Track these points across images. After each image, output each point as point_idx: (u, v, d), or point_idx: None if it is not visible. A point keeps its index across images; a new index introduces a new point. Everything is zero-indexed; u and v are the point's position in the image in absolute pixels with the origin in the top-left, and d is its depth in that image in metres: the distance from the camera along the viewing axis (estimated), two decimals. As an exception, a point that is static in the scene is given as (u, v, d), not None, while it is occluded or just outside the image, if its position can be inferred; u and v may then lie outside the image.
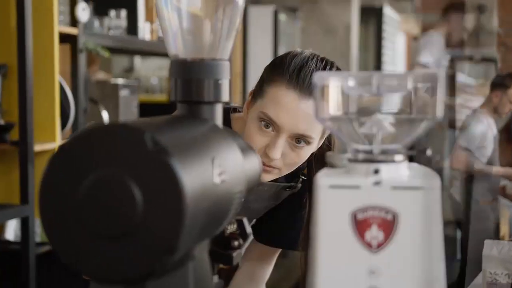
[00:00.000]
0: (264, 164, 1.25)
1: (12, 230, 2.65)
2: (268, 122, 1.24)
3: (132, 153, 0.60)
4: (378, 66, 7.43)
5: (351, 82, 0.69)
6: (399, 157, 0.69)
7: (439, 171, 4.79)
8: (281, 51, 6.35)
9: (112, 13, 3.01)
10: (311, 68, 1.24)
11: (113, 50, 3.13)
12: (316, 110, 0.70)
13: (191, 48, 0.80)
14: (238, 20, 0.82)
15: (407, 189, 0.66)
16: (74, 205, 0.61)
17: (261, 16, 4.93)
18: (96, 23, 2.94)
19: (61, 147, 0.62)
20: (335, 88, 0.70)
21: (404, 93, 0.69)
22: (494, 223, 4.45)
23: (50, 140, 2.50)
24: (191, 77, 0.78)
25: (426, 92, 0.67)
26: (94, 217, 0.61)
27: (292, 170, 1.31)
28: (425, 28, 9.75)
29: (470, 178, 4.50)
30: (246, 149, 0.84)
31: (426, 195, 0.66)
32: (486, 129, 4.53)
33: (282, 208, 1.46)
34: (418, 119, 0.68)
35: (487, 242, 2.02)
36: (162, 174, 0.60)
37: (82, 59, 2.69)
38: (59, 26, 2.55)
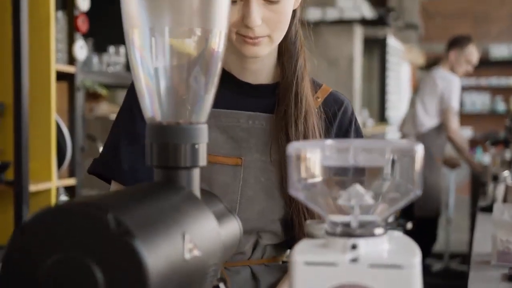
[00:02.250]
0: (250, 37, 1.18)
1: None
2: None
3: (94, 234, 0.58)
4: (382, 96, 7.41)
5: (327, 152, 0.66)
6: (378, 231, 0.66)
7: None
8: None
9: (111, 49, 3.00)
10: None
11: (112, 86, 3.12)
12: (290, 180, 0.67)
13: (167, 111, 0.78)
14: (216, 80, 0.80)
15: (386, 267, 0.63)
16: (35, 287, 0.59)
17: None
18: (95, 59, 2.94)
19: (22, 226, 0.60)
20: (311, 158, 0.67)
21: (382, 165, 0.66)
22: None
23: (46, 179, 2.48)
24: (167, 141, 0.76)
25: (405, 165, 0.64)
26: (55, 301, 0.58)
27: (284, 32, 1.22)
28: (429, 58, 9.77)
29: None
30: (225, 214, 0.82)
31: (406, 274, 0.63)
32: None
33: None
34: (398, 192, 0.65)
35: (497, 206, 1.82)
36: (126, 256, 0.57)
37: (80, 97, 2.68)
38: (57, 64, 2.54)
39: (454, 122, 4.42)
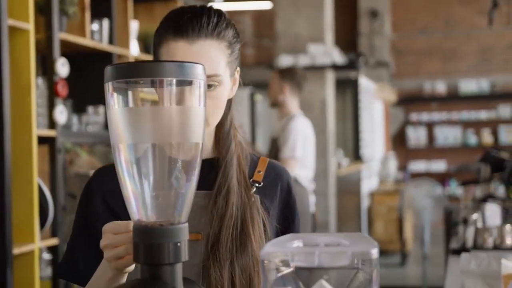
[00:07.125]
0: None
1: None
2: None
3: None
4: (356, 135, 7.56)
5: (296, 257, 0.76)
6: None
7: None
8: (259, 132, 6.46)
9: (90, 109, 3.10)
10: (189, 13, 1.23)
11: (92, 144, 3.21)
12: (263, 282, 0.76)
13: (152, 214, 0.87)
14: (194, 185, 0.90)
15: None
16: None
17: (237, 98, 5.01)
18: (75, 119, 3.03)
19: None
20: (281, 260, 0.77)
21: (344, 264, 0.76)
22: None
23: (29, 241, 2.54)
24: (152, 241, 0.85)
25: (363, 269, 0.74)
26: None
27: (219, 117, 1.27)
28: (401, 94, 9.99)
29: None
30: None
31: None
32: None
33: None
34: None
35: (464, 256, 1.91)
36: None
37: (60, 158, 2.76)
38: (38, 129, 2.63)
39: None
